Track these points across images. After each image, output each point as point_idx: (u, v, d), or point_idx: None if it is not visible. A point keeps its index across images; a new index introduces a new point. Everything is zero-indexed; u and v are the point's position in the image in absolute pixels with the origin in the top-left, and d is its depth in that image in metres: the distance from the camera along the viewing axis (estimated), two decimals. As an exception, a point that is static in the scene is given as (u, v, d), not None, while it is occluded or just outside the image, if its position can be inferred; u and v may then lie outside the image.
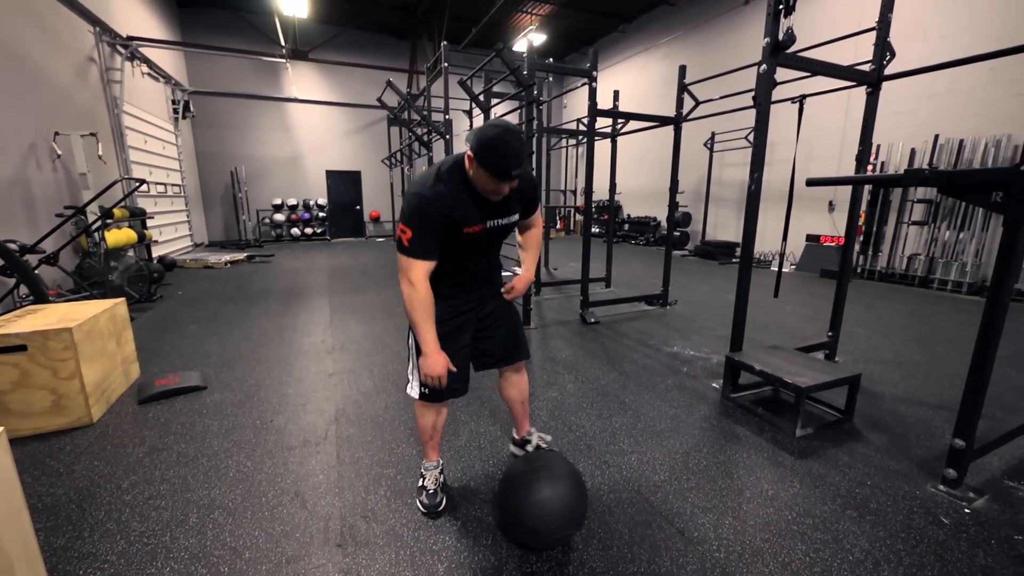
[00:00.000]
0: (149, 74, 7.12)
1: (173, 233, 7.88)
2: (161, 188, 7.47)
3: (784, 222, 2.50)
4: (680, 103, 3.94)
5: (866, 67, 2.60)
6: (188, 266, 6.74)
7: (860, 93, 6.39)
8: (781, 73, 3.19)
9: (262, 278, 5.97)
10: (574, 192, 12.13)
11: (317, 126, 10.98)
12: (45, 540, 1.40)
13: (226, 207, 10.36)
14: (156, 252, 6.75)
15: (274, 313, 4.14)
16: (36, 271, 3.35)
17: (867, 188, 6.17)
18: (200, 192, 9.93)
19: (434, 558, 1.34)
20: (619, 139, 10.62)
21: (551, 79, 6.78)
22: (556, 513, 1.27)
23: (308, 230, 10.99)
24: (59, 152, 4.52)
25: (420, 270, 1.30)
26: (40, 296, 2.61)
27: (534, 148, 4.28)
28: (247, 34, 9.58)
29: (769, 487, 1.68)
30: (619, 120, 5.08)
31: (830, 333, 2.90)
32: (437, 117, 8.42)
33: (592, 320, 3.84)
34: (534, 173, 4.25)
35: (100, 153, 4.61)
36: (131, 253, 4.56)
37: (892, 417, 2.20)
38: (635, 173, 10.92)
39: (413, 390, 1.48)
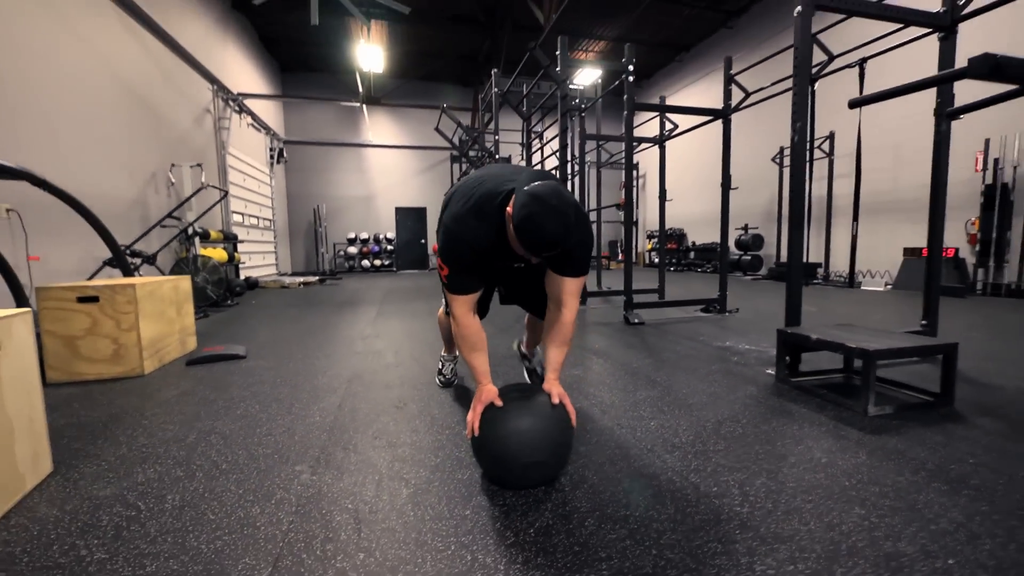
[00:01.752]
0: (252, 125, 8.40)
1: (261, 260, 8.87)
2: (253, 220, 8.55)
3: (855, 189, 2.18)
4: (728, 95, 3.77)
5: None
6: (268, 286, 7.49)
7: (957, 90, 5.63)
8: (840, 41, 2.93)
9: (327, 294, 6.49)
10: (633, 223, 11.89)
11: (389, 167, 12.10)
12: (67, 445, 1.51)
13: (308, 241, 11.55)
14: (243, 273, 7.61)
15: (327, 314, 4.43)
16: (138, 269, 3.94)
17: (980, 190, 5.32)
18: (288, 227, 11.22)
19: (401, 484, 1.23)
20: (678, 166, 10.37)
21: (599, 101, 6.88)
22: (524, 437, 1.12)
23: (377, 262, 11.82)
24: (173, 180, 5.39)
25: (462, 304, 1.26)
26: (126, 271, 3.02)
27: (573, 157, 4.27)
28: (334, 89, 11.04)
29: (823, 456, 1.36)
30: (667, 127, 4.96)
31: (924, 322, 2.41)
32: (502, 150, 8.88)
33: (636, 321, 3.60)
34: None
35: (204, 180, 5.42)
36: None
37: (1015, 407, 1.72)
38: (698, 199, 10.51)
39: (441, 316, 1.88)
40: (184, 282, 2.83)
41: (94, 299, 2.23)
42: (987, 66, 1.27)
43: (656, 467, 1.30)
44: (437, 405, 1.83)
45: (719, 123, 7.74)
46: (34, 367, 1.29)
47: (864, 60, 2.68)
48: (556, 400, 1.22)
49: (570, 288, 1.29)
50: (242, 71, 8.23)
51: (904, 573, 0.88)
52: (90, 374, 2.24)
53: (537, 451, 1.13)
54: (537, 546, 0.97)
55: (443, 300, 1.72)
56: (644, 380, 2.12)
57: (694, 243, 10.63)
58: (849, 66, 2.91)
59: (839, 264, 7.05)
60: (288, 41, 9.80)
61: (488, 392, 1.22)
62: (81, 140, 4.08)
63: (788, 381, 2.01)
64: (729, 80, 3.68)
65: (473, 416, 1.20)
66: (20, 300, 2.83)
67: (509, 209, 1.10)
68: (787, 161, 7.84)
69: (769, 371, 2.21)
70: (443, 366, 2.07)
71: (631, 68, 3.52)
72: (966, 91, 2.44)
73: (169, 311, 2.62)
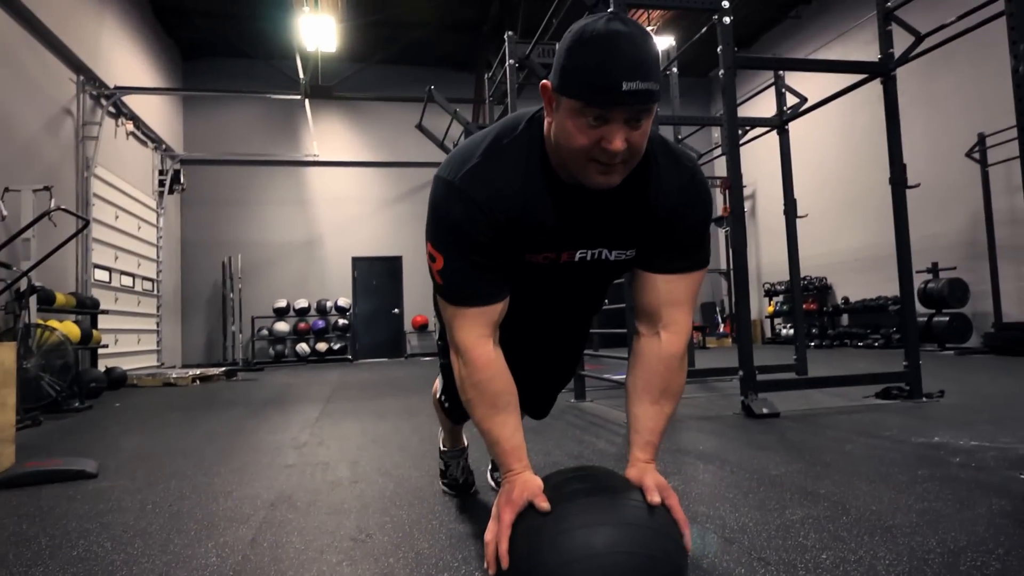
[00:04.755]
0: (135, 134, 9.01)
1: (135, 344, 9.05)
2: (128, 281, 8.84)
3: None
4: (887, 40, 3.88)
5: None
6: (143, 384, 7.54)
7: None
8: None
9: (238, 392, 6.61)
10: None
11: (344, 195, 12.65)
12: None
13: (211, 314, 11.83)
14: (105, 364, 7.70)
15: (237, 417, 4.51)
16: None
17: None
18: (180, 294, 11.54)
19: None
20: (807, 175, 10.49)
21: (675, 73, 7.19)
22: (600, 566, 0.99)
23: (322, 346, 11.92)
24: (4, 213, 5.66)
25: (473, 325, 1.20)
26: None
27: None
28: (260, 81, 11.79)
29: None
30: (786, 101, 5.09)
31: None
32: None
33: (765, 411, 3.48)
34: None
35: (52, 205, 5.68)
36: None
37: None
38: (844, 228, 10.55)
39: (438, 390, 1.85)
40: (5, 351, 2.83)
41: None
42: None
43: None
44: (426, 535, 1.72)
45: (871, 96, 7.92)
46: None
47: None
48: (655, 498, 1.09)
49: (679, 292, 1.24)
50: (124, 56, 9.01)
51: None
52: None
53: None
54: None
55: (439, 371, 1.80)
56: (796, 492, 2.05)
57: (845, 300, 10.49)
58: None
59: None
60: (196, 14, 10.81)
61: (524, 485, 1.11)
62: None
63: (1067, 489, 1.83)
64: (887, 16, 3.81)
65: (498, 533, 1.08)
66: None
67: (544, 85, 1.06)
68: (994, 156, 7.88)
69: (1025, 476, 2.10)
70: (447, 466, 2.09)
71: (726, 5, 3.69)
72: None
73: (-22, 398, 2.60)
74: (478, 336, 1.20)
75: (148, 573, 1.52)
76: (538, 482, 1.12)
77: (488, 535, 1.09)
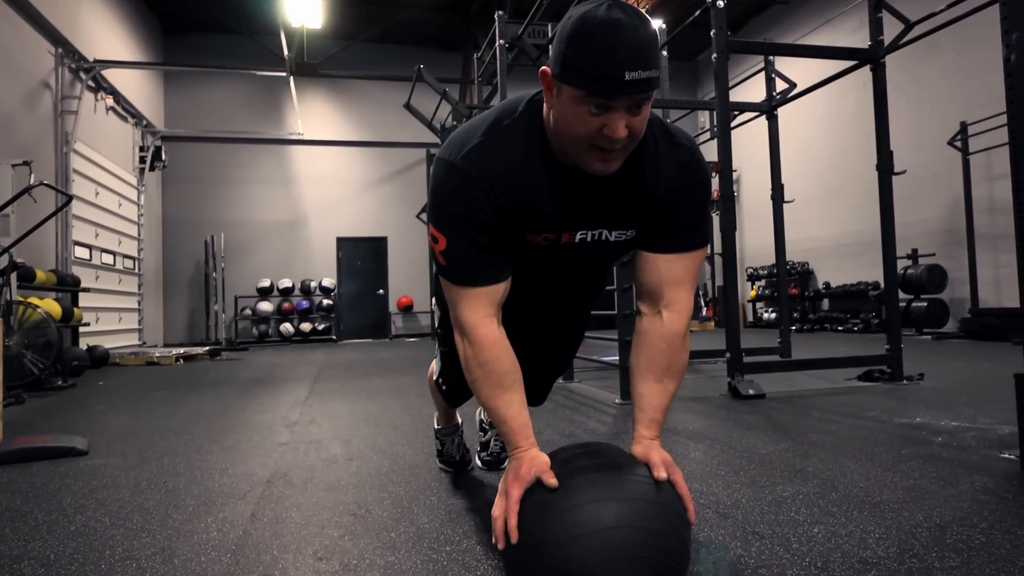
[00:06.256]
0: (114, 109, 8.83)
1: (116, 323, 8.94)
2: (108, 259, 8.71)
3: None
4: (877, 27, 3.91)
5: None
6: (126, 362, 7.48)
7: None
8: None
9: (224, 371, 6.64)
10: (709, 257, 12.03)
11: (328, 175, 12.54)
12: None
13: (193, 293, 11.73)
14: (87, 341, 7.62)
15: (224, 396, 4.54)
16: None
17: None
18: (161, 272, 11.43)
19: None
20: (791, 163, 10.54)
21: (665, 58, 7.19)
22: (609, 539, 1.01)
23: (306, 325, 11.87)
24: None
25: (473, 304, 1.21)
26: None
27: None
28: (243, 58, 11.59)
29: None
30: (775, 86, 5.12)
31: None
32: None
33: (751, 392, 3.53)
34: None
35: (32, 180, 5.57)
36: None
37: None
38: (828, 216, 10.65)
39: (435, 373, 1.85)
40: (-7, 328, 2.80)
41: None
42: None
43: (845, 592, 1.18)
44: (425, 510, 1.76)
45: (855, 84, 7.99)
46: None
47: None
48: (661, 473, 1.12)
49: (679, 271, 1.25)
50: (103, 29, 8.80)
51: None
52: None
53: (633, 565, 1.01)
54: None
55: (436, 351, 1.84)
56: (785, 470, 2.10)
57: (827, 285, 10.62)
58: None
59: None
60: (177, -13, 10.57)
61: (532, 462, 1.13)
62: None
63: (1045, 467, 1.89)
64: (878, 3, 3.83)
65: (507, 509, 1.10)
66: None
67: (544, 71, 1.07)
68: (976, 144, 7.98)
69: (1007, 455, 2.17)
70: (443, 444, 2.11)
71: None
72: None
73: (-35, 375, 2.57)
74: (482, 316, 1.22)
75: (149, 547, 1.53)
76: (545, 459, 1.14)
77: (496, 511, 1.11)
